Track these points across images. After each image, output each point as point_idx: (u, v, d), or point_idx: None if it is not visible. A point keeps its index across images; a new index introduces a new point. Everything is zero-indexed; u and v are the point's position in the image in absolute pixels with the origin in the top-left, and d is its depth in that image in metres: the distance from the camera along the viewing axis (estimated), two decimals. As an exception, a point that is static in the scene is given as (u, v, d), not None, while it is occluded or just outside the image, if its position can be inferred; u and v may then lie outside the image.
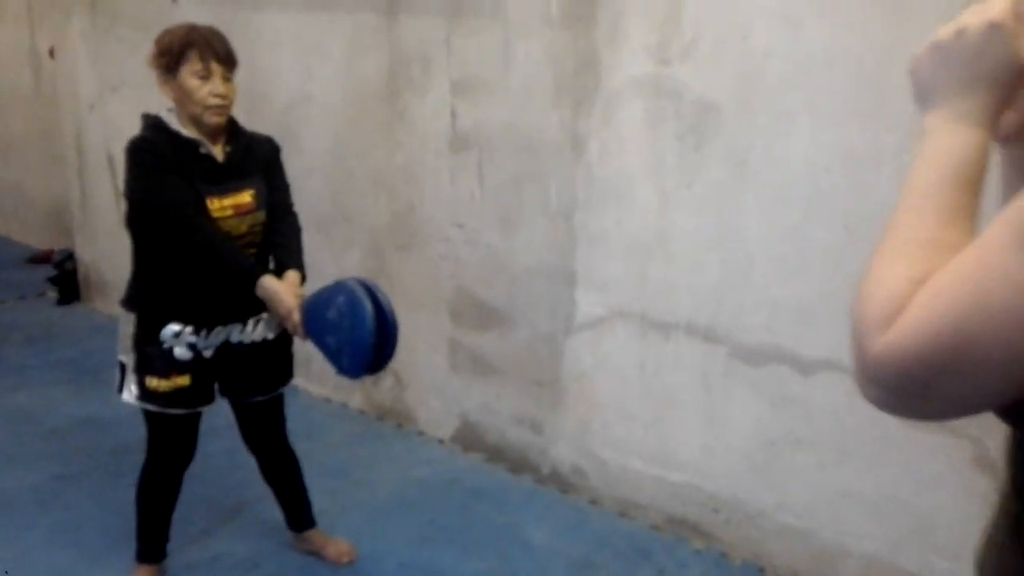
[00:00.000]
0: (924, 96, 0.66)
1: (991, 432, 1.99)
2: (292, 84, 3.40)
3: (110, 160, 4.32)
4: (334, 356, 1.89)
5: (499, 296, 2.92)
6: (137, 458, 2.19)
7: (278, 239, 2.07)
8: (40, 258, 5.61)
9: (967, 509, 2.05)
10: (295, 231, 2.14)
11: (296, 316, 1.93)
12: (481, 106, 2.82)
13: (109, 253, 4.48)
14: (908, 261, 0.60)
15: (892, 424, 2.13)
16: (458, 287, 3.04)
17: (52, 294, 4.91)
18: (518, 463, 2.98)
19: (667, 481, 2.57)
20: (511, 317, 2.90)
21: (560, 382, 2.80)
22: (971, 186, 0.62)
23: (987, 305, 0.53)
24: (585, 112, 2.55)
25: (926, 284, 0.57)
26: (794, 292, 2.21)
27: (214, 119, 1.95)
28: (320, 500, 2.49)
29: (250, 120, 2.20)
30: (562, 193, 2.65)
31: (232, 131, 2.05)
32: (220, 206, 1.96)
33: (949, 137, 0.62)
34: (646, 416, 2.59)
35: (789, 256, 2.22)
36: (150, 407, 2.04)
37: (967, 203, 0.61)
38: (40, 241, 5.89)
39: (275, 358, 2.18)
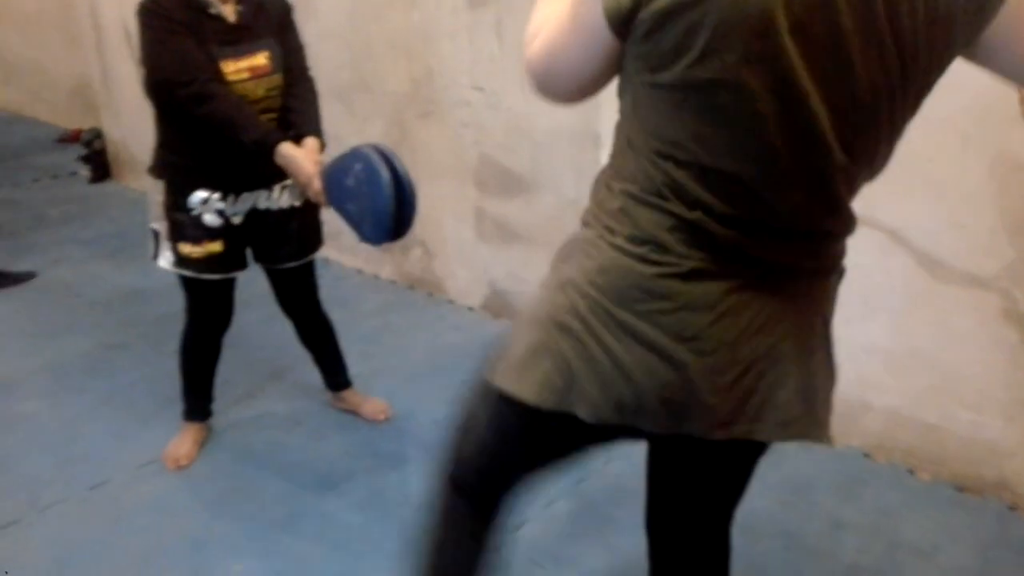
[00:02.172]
0: None
1: (1021, 284, 1.97)
2: (305, -57, 3.26)
3: (128, 33, 4.24)
4: (356, 223, 1.89)
5: (523, 162, 2.89)
6: (179, 328, 2.27)
7: (295, 104, 2.03)
8: (69, 138, 5.64)
9: (993, 362, 2.07)
10: (312, 95, 2.09)
11: (316, 184, 1.92)
12: (500, -41, 2.69)
13: (135, 129, 4.48)
14: (551, 4, 1.00)
15: (921, 280, 2.12)
16: (482, 155, 3.01)
17: (84, 172, 4.96)
18: (546, 327, 3.03)
19: (692, 341, 2.60)
20: (536, 183, 2.88)
21: (587, 247, 2.80)
22: None
23: (556, 41, 0.96)
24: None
25: (546, 22, 0.98)
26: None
27: (222, -23, 1.88)
28: (355, 364, 2.57)
29: (263, -19, 2.12)
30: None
31: (243, -11, 1.98)
32: (236, 69, 1.92)
33: None
34: (672, 278, 2.59)
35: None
36: (185, 273, 2.09)
37: None
38: (68, 120, 5.90)
39: (303, 225, 2.20)
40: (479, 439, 1.25)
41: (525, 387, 1.07)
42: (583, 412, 1.04)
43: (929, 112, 0.98)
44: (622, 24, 0.90)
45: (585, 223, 1.07)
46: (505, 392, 1.10)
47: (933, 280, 2.11)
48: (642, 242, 0.98)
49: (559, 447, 1.21)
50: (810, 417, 1.07)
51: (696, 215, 0.95)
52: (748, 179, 0.93)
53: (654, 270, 0.98)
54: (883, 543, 2.00)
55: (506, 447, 1.23)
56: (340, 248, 3.59)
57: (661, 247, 0.97)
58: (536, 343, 1.07)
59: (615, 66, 0.97)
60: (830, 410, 1.12)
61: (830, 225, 1.00)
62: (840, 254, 1.06)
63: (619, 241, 1.00)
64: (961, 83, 1.65)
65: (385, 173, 1.78)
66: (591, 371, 1.03)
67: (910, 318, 2.17)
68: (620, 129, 1.04)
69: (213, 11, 1.92)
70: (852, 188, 0.99)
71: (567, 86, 1.00)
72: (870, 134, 0.93)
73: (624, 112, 1.02)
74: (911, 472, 2.25)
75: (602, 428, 1.07)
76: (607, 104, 2.77)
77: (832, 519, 2.08)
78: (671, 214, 0.96)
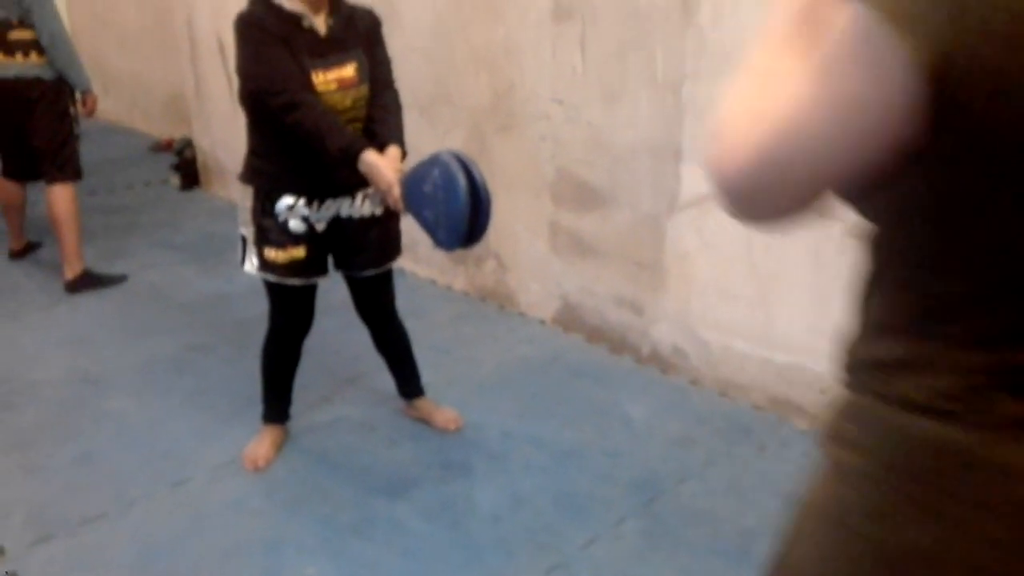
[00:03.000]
0: None
1: None
2: (391, -40, 3.34)
3: (221, 46, 4.41)
4: (431, 229, 1.92)
5: (601, 176, 2.88)
6: (260, 332, 2.34)
7: (379, 114, 2.08)
8: (162, 147, 5.91)
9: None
10: (396, 106, 2.14)
11: (396, 190, 1.95)
12: (585, -27, 2.69)
13: (225, 140, 4.65)
14: (754, 87, 0.65)
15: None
16: (559, 168, 3.01)
17: (175, 180, 5.19)
18: (618, 343, 3.01)
19: (771, 361, 2.53)
20: (613, 197, 2.86)
21: (662, 263, 2.77)
22: None
23: (788, 132, 0.61)
24: (696, -26, 2.39)
25: (751, 109, 0.64)
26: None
27: (315, -10, 1.94)
28: (427, 374, 2.60)
29: (351, -4, 2.18)
30: (670, 62, 2.53)
31: (334, 3, 2.04)
32: (324, 80, 1.97)
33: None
34: (751, 296, 2.53)
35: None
36: (269, 277, 2.15)
37: None
38: (161, 130, 6.18)
39: (383, 234, 2.24)
40: None
41: None
42: None
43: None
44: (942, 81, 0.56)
45: (848, 387, 0.76)
46: None
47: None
48: (948, 396, 0.67)
49: None
50: None
51: None
52: None
53: (974, 435, 0.66)
54: None
55: None
56: (415, 259, 3.64)
57: (976, 393, 0.66)
58: None
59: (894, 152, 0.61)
60: None
61: None
62: None
63: (904, 393, 0.70)
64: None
65: (462, 179, 1.81)
66: None
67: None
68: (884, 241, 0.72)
69: (306, 24, 1.98)
70: None
71: (796, 195, 0.65)
72: None
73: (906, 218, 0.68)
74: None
75: None
76: (690, 110, 2.72)
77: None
78: (990, 345, 0.66)
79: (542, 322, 3.27)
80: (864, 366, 0.74)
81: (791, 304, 2.45)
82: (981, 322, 0.66)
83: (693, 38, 2.44)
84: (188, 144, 5.17)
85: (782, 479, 2.25)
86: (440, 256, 3.53)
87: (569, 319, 3.18)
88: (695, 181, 2.57)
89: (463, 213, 1.81)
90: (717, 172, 0.66)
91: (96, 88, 3.79)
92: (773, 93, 0.62)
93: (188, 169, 5.13)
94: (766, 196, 0.65)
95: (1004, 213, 0.62)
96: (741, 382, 2.64)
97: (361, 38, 2.07)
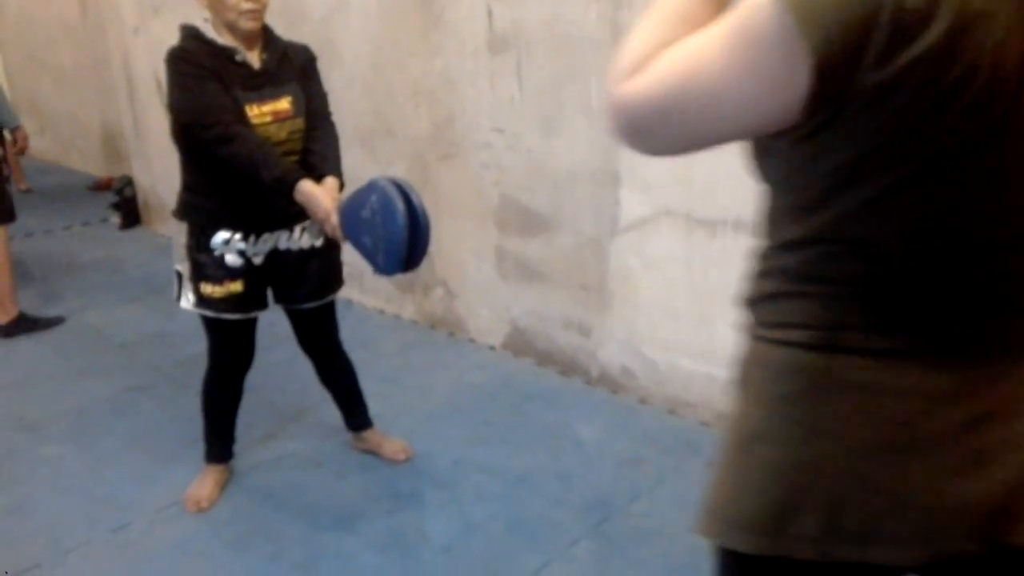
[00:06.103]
0: None
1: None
2: (328, -7, 3.36)
3: (158, 84, 4.36)
4: (370, 255, 1.91)
5: (543, 202, 2.91)
6: (202, 369, 2.29)
7: (315, 146, 2.08)
8: (101, 185, 5.79)
9: None
10: (333, 138, 2.14)
11: (334, 218, 1.94)
12: (518, 3, 2.74)
13: (165, 176, 4.58)
14: (663, 28, 0.75)
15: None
16: (502, 195, 3.03)
17: (114, 219, 5.08)
18: (568, 366, 3.02)
19: (716, 378, 2.57)
20: (556, 222, 2.89)
21: (607, 285, 2.80)
22: None
23: (693, 82, 0.70)
24: (626, 2, 2.45)
25: (665, 52, 0.72)
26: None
27: (248, 24, 1.94)
28: (376, 404, 2.57)
29: (288, 33, 2.18)
30: (604, 91, 2.58)
31: (268, 39, 2.04)
32: (259, 112, 1.97)
33: None
34: (693, 314, 2.57)
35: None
36: (206, 313, 2.11)
37: None
38: (99, 168, 6.06)
39: (324, 265, 2.23)
40: None
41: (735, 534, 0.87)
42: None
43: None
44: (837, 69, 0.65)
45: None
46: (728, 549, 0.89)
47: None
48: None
49: None
50: None
51: None
52: None
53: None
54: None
55: None
56: (362, 289, 3.62)
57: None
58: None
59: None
60: None
61: None
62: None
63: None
64: None
65: (400, 203, 1.81)
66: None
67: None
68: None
69: (239, 58, 1.98)
70: None
71: (684, 137, 0.76)
72: None
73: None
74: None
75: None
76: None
77: None
78: None
79: (491, 348, 3.27)
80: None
81: (731, 320, 2.49)
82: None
83: (626, 64, 2.50)
84: (128, 183, 5.08)
85: (730, 494, 2.27)
86: (387, 285, 3.52)
87: (518, 344, 3.18)
88: (634, 205, 2.61)
89: (402, 236, 1.81)
90: (617, 100, 0.75)
91: (32, 128, 3.74)
92: (689, 47, 0.71)
93: (128, 207, 5.03)
94: (652, 133, 0.75)
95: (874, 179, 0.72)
96: (688, 399, 2.67)
97: (296, 72, 2.07)
